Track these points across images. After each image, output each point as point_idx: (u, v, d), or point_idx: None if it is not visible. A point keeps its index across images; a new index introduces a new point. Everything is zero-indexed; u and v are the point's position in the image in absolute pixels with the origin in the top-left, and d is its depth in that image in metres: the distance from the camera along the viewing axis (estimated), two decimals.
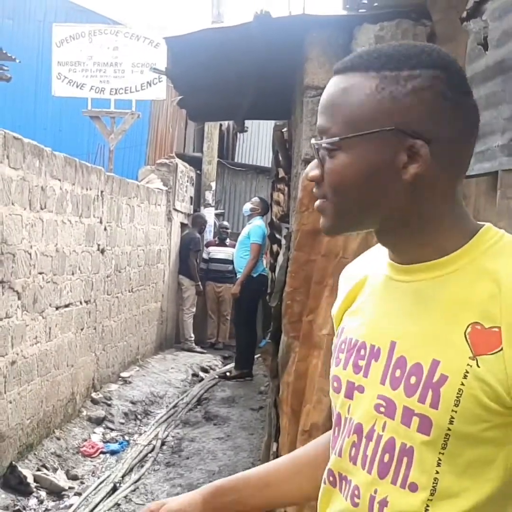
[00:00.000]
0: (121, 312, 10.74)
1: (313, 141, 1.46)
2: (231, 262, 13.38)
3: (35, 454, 7.25)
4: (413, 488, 1.39)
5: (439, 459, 1.37)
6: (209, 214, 15.43)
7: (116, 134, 14.17)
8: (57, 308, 7.97)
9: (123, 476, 7.17)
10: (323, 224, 1.49)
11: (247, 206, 12.06)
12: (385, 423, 1.43)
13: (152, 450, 8.08)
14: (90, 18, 15.67)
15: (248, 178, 18.57)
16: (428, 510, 1.38)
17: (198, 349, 13.72)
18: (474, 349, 1.34)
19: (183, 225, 14.63)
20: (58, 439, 7.86)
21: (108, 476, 7.14)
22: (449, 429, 1.35)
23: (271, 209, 7.64)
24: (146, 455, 7.89)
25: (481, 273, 1.39)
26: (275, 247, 7.45)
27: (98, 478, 7.15)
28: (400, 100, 1.38)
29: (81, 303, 8.82)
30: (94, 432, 8.44)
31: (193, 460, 7.84)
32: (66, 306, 8.29)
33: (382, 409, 1.44)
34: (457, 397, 1.34)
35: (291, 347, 4.31)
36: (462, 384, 1.33)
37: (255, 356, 11.41)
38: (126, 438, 8.49)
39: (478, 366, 1.33)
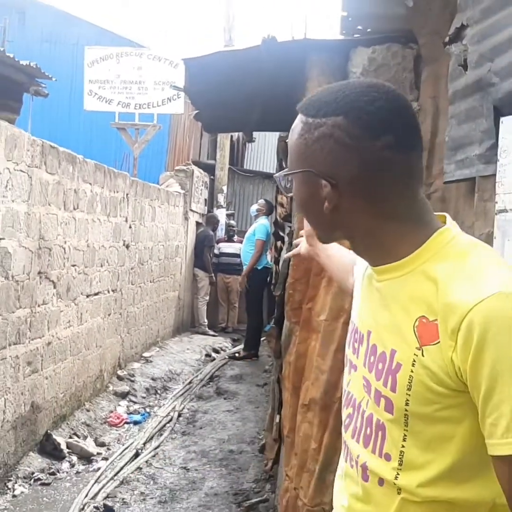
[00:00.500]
0: (144, 299, 10.76)
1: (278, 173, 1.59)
2: (238, 256, 13.44)
3: (67, 423, 7.27)
4: (387, 457, 1.44)
5: (405, 435, 1.41)
6: (221, 214, 15.44)
7: (140, 144, 14.18)
8: (87, 296, 7.99)
9: (144, 444, 7.19)
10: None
11: (254, 208, 12.11)
12: (368, 400, 1.49)
13: (170, 420, 8.10)
14: (118, 42, 15.66)
15: (255, 183, 18.57)
16: (398, 477, 1.43)
17: (211, 332, 13.73)
18: (420, 340, 1.38)
19: (198, 224, 14.63)
20: (88, 410, 7.88)
21: (131, 444, 7.16)
22: (406, 410, 1.39)
23: (276, 210, 7.63)
24: (164, 425, 7.91)
25: (427, 275, 1.42)
26: (279, 243, 7.45)
27: (123, 445, 7.17)
28: (310, 146, 1.45)
29: (108, 291, 8.84)
30: (119, 405, 8.46)
31: (206, 429, 7.86)
32: (96, 294, 8.31)
33: (365, 389, 1.50)
34: (409, 382, 1.38)
35: (292, 331, 4.31)
36: (412, 371, 1.38)
37: (261, 339, 11.44)
38: (147, 410, 8.51)
39: (423, 356, 1.37)
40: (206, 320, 14.00)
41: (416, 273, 1.43)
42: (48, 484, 6.01)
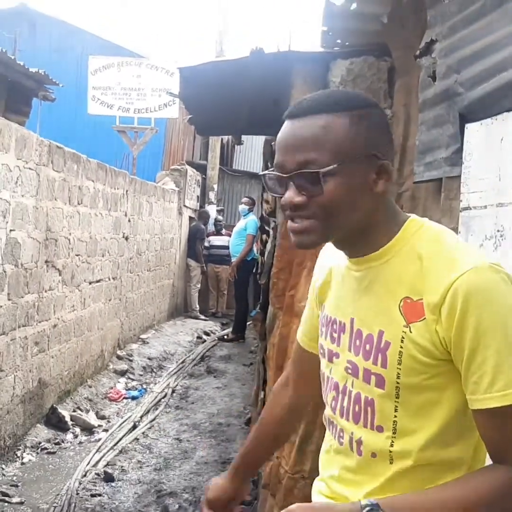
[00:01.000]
0: (141, 287, 10.75)
1: (280, 175, 1.42)
2: (227, 247, 13.37)
3: (71, 398, 7.26)
4: (380, 429, 1.44)
5: (396, 406, 1.42)
6: (212, 210, 15.42)
7: (138, 145, 14.15)
8: (90, 283, 7.98)
9: (141, 417, 7.19)
10: (303, 241, 1.43)
11: (244, 207, 12.00)
12: (353, 381, 1.49)
13: (165, 396, 8.10)
14: (119, 52, 15.58)
15: (243, 182, 18.57)
16: (393, 445, 1.43)
17: (202, 317, 13.73)
18: (407, 318, 1.39)
19: (191, 219, 14.61)
20: (90, 387, 7.87)
21: (129, 417, 7.16)
22: (397, 383, 1.40)
23: (262, 206, 7.64)
24: (159, 400, 7.91)
25: (409, 256, 1.44)
26: (264, 236, 7.46)
27: (121, 418, 7.17)
28: (368, 132, 1.40)
29: (109, 279, 8.83)
30: (119, 382, 8.46)
31: (197, 404, 7.87)
32: (97, 281, 8.30)
33: (349, 371, 1.49)
34: (399, 357, 1.39)
35: (276, 316, 4.31)
36: (401, 347, 1.39)
37: (248, 323, 11.45)
38: (144, 386, 8.50)
39: (411, 332, 1.38)
40: (197, 306, 14.00)
41: (396, 257, 1.45)
42: (53, 453, 6.01)
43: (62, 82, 10.54)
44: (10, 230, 5.60)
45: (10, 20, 15.50)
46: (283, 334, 4.15)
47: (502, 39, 2.50)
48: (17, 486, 5.27)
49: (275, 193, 1.47)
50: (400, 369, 1.39)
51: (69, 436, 6.47)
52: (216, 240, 14.23)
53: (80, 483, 5.32)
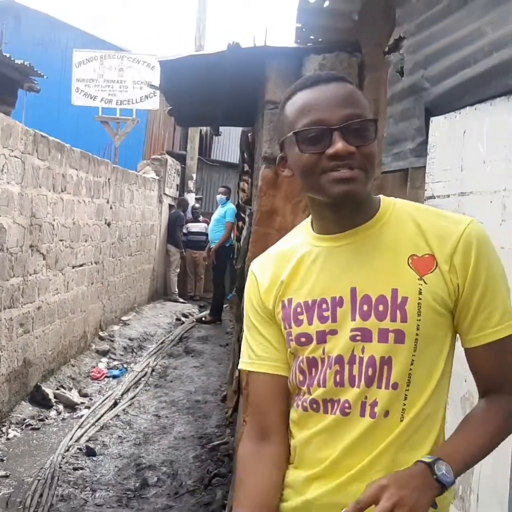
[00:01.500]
0: (122, 271, 10.70)
1: (327, 127, 1.40)
2: (203, 234, 13.52)
3: (55, 377, 7.24)
4: (395, 386, 1.43)
5: (413, 359, 1.42)
6: (190, 198, 15.39)
7: (120, 135, 14.06)
8: (73, 267, 7.93)
9: (122, 394, 7.18)
10: (354, 190, 1.40)
11: (221, 196, 11.92)
12: (363, 347, 1.44)
13: (144, 375, 8.08)
14: (102, 46, 15.46)
15: (221, 171, 18.54)
16: (407, 397, 1.43)
17: (181, 300, 13.71)
18: (419, 272, 1.42)
19: (170, 206, 14.56)
20: (73, 366, 7.85)
21: (110, 394, 7.15)
22: (417, 335, 1.41)
23: (238, 195, 7.63)
24: (139, 379, 7.89)
25: (401, 221, 1.48)
26: (240, 223, 7.45)
27: (103, 395, 7.15)
28: (365, 102, 1.47)
29: (92, 263, 8.78)
30: (100, 361, 8.44)
31: (175, 383, 7.87)
32: (80, 265, 8.25)
33: (358, 338, 1.44)
34: (418, 309, 1.41)
35: None
36: (420, 299, 1.41)
37: (224, 306, 11.46)
38: (125, 366, 8.49)
39: (426, 283, 1.41)
40: (177, 289, 13.98)
41: (388, 223, 1.48)
42: (37, 429, 5.99)
43: (47, 74, 10.41)
44: None
45: None
46: None
47: (465, 37, 2.51)
48: (2, 460, 5.25)
49: (312, 150, 1.41)
50: (420, 320, 1.40)
51: (53, 413, 6.45)
52: (193, 227, 14.20)
53: (63, 458, 5.31)
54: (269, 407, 1.58)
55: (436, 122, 2.80)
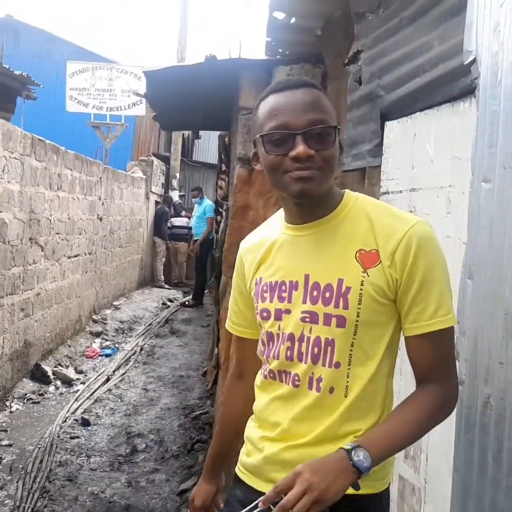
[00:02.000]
0: (113, 261, 10.64)
1: (291, 132, 1.39)
2: (185, 227, 13.59)
3: (53, 356, 7.19)
4: (337, 365, 1.44)
5: (352, 342, 1.43)
6: (174, 195, 15.34)
7: (110, 139, 13.94)
8: (69, 258, 7.87)
9: (113, 371, 7.15)
10: (311, 188, 1.40)
11: (195, 199, 11.93)
12: (311, 328, 1.46)
13: (134, 353, 8.06)
14: (93, 58, 15.33)
15: (201, 171, 18.49)
16: (349, 375, 1.44)
17: (166, 286, 13.68)
18: (364, 265, 1.42)
19: (157, 202, 14.49)
20: (69, 346, 7.80)
21: (103, 371, 7.11)
22: (357, 321, 1.42)
23: (216, 192, 7.62)
24: (129, 357, 7.87)
25: (357, 217, 1.47)
26: (219, 217, 7.44)
27: (97, 372, 7.12)
28: (330, 106, 1.46)
29: (85, 254, 8.72)
30: (94, 342, 8.39)
31: (162, 360, 7.86)
32: (75, 256, 8.19)
33: (307, 319, 1.46)
34: (359, 299, 1.41)
35: (227, 284, 4.32)
36: (361, 290, 1.41)
37: (205, 291, 11.46)
38: (116, 345, 8.45)
39: (368, 276, 1.41)
40: (162, 277, 13.93)
41: (346, 218, 1.47)
42: (38, 403, 5.95)
43: (43, 83, 10.32)
44: None
45: None
46: None
47: (415, 50, 2.52)
48: (6, 431, 5.21)
49: (276, 152, 1.41)
50: (360, 308, 1.41)
51: (51, 388, 6.41)
52: (176, 221, 14.16)
53: (60, 428, 5.29)
54: (243, 358, 1.75)
55: (390, 126, 2.82)
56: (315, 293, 1.46)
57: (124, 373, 7.13)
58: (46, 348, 7.07)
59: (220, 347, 4.65)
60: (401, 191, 2.63)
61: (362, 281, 1.41)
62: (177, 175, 16.09)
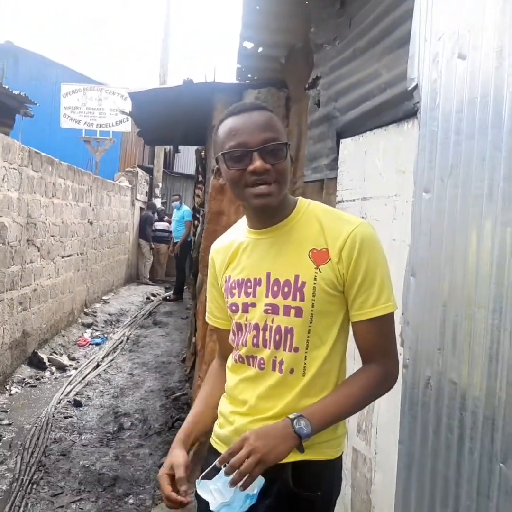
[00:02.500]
0: (103, 260, 10.53)
1: (248, 149, 1.39)
2: (166, 231, 13.53)
3: (48, 345, 7.09)
4: (297, 350, 1.46)
5: (309, 330, 1.45)
6: (157, 202, 15.25)
7: (100, 152, 13.79)
8: (62, 257, 7.77)
9: (103, 358, 7.08)
10: (269, 202, 1.42)
11: (176, 203, 12.05)
12: (273, 318, 1.47)
13: (121, 342, 7.99)
14: (84, 80, 15.14)
15: (181, 181, 18.42)
16: (306, 357, 1.46)
17: (150, 283, 13.59)
18: (316, 263, 1.44)
19: (141, 209, 14.38)
20: (63, 336, 7.70)
21: (93, 358, 7.04)
22: (312, 311, 1.44)
23: (194, 199, 7.60)
24: (117, 346, 7.80)
25: (309, 221, 1.49)
26: (196, 222, 7.43)
27: (88, 359, 7.04)
28: (283, 128, 1.48)
29: (77, 254, 8.62)
30: (86, 332, 8.30)
31: (146, 348, 7.80)
32: (68, 256, 8.09)
33: (269, 311, 1.48)
34: (313, 291, 1.43)
35: (203, 281, 4.31)
36: (315, 283, 1.43)
37: (185, 287, 11.41)
38: (105, 335, 8.36)
39: (320, 272, 1.43)
40: (147, 275, 13.84)
41: (299, 223, 1.48)
42: (35, 386, 5.87)
43: (40, 103, 10.15)
44: None
45: None
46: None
47: (366, 77, 2.55)
48: (6, 411, 5.13)
49: (237, 167, 1.41)
50: (314, 300, 1.42)
51: (47, 373, 6.33)
52: (158, 225, 14.09)
53: (55, 408, 5.22)
54: (222, 344, 1.73)
55: (345, 143, 2.84)
56: (276, 288, 1.47)
57: (112, 360, 7.07)
58: (42, 338, 6.97)
59: (197, 337, 4.64)
60: (354, 200, 2.65)
61: (315, 276, 1.43)
62: (160, 184, 16.00)
